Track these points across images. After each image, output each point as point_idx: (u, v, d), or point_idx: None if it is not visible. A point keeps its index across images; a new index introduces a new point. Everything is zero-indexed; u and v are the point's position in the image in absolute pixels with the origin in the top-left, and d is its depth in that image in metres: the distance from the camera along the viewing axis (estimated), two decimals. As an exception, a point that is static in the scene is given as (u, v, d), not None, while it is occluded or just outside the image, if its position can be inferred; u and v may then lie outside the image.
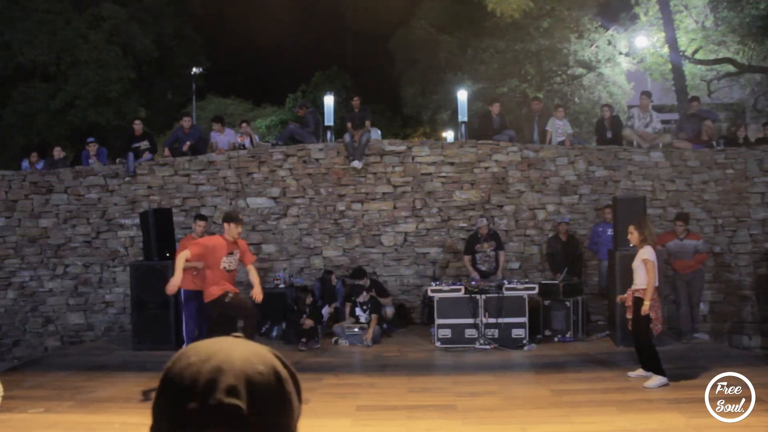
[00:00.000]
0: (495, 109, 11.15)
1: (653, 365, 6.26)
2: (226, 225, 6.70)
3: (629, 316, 6.50)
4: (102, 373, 7.31)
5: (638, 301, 6.34)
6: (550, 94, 17.81)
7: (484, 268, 9.25)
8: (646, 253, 6.39)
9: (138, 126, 11.18)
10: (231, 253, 6.66)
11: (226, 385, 0.87)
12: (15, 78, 18.92)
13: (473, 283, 8.75)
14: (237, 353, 0.92)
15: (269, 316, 9.06)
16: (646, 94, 11.15)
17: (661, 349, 6.48)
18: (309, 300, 8.67)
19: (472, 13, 18.02)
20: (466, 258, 9.36)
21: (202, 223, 8.35)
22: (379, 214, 10.32)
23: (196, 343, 0.96)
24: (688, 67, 16.48)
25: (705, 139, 10.53)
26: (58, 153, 11.88)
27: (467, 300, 8.31)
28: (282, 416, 0.92)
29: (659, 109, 15.89)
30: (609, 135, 10.72)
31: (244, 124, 11.46)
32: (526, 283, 8.50)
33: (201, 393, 0.87)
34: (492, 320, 8.24)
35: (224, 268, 6.60)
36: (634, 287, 6.49)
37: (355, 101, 10.99)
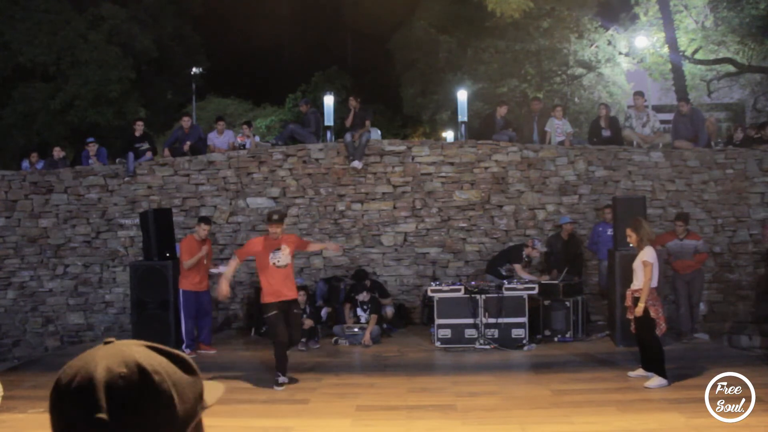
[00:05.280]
0: (501, 111, 11.10)
1: (656, 366, 6.26)
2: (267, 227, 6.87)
3: (630, 316, 6.51)
4: (102, 373, 7.29)
5: (638, 302, 6.36)
6: (550, 94, 17.80)
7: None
8: (646, 254, 6.41)
9: (139, 126, 11.19)
10: (278, 249, 6.72)
11: (93, 402, 0.91)
12: (15, 78, 18.92)
13: (473, 283, 8.76)
14: (98, 364, 0.94)
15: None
16: (639, 94, 11.16)
17: (663, 349, 6.48)
18: (302, 298, 8.61)
19: (472, 13, 18.02)
20: (518, 267, 8.99)
21: (206, 226, 8.35)
22: (379, 214, 10.32)
23: (74, 359, 0.99)
24: (688, 67, 16.49)
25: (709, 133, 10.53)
26: (58, 153, 11.89)
27: (467, 300, 8.31)
28: (158, 409, 0.94)
29: (659, 109, 15.93)
30: (607, 134, 10.71)
31: (245, 126, 11.46)
32: (526, 283, 8.50)
33: (73, 411, 0.92)
34: (492, 320, 8.24)
35: (273, 264, 6.69)
36: (633, 288, 6.52)
37: (352, 102, 10.91)
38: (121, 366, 0.94)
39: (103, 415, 0.90)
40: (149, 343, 1.01)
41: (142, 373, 0.94)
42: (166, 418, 0.95)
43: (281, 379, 6.54)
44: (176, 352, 1.02)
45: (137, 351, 0.97)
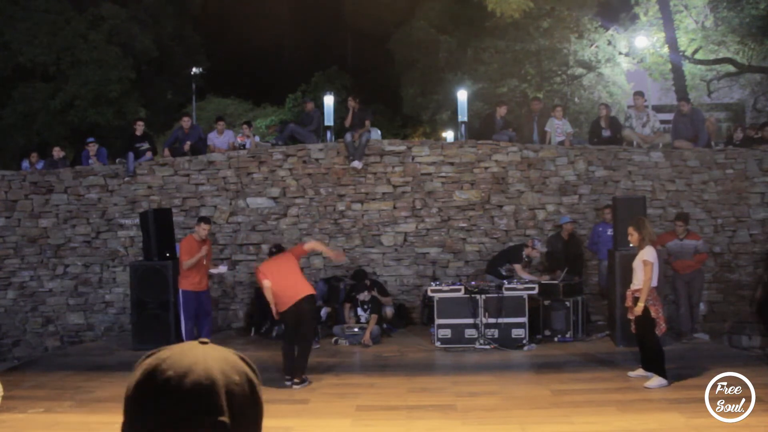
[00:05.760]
0: (501, 111, 11.11)
1: (656, 366, 6.26)
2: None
3: (631, 316, 6.51)
4: (102, 373, 7.31)
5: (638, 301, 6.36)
6: (550, 94, 17.80)
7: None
8: (647, 253, 6.41)
9: (140, 126, 11.19)
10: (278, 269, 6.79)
11: (215, 404, 0.91)
12: (15, 78, 18.91)
13: (473, 283, 8.76)
14: (214, 366, 0.95)
15: (269, 316, 9.04)
16: (639, 94, 11.16)
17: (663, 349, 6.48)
18: None
19: (472, 13, 18.02)
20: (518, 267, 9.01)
21: (206, 226, 8.34)
22: (379, 214, 10.32)
23: (166, 351, 0.97)
24: (688, 67, 16.49)
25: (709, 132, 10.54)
26: (57, 153, 11.89)
27: (467, 300, 8.30)
28: (257, 419, 0.99)
29: (659, 109, 15.93)
30: (607, 134, 10.71)
31: (245, 126, 11.46)
32: (526, 283, 8.50)
33: (187, 408, 0.90)
34: (492, 320, 8.24)
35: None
36: (633, 287, 6.51)
37: (351, 102, 10.89)
38: (234, 374, 0.97)
39: (225, 419, 0.92)
40: (235, 351, 1.03)
41: (251, 385, 0.99)
42: (258, 425, 1.00)
43: (288, 382, 6.60)
44: (251, 362, 1.04)
45: (241, 363, 1.01)
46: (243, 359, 1.01)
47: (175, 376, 0.92)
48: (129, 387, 0.95)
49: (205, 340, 1.02)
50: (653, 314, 6.26)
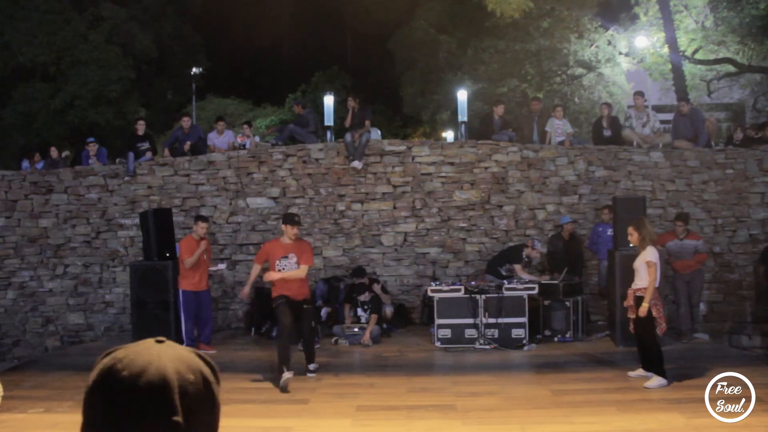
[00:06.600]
0: (498, 110, 11.12)
1: (655, 366, 6.26)
2: (282, 227, 6.93)
3: (632, 315, 6.50)
4: (102, 373, 7.29)
5: (640, 301, 6.35)
6: (550, 94, 17.79)
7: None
8: (650, 254, 6.40)
9: (141, 126, 11.19)
10: (286, 257, 6.76)
11: (168, 404, 0.92)
12: (15, 78, 18.92)
13: (473, 283, 8.75)
14: (168, 365, 0.95)
15: (269, 316, 9.05)
16: (639, 94, 11.16)
17: (662, 349, 6.48)
18: None
19: (472, 13, 18.01)
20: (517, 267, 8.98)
21: (204, 224, 8.35)
22: (379, 214, 10.32)
23: (122, 351, 0.98)
24: (688, 67, 16.48)
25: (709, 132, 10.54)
26: (56, 153, 11.90)
27: (467, 300, 8.30)
28: (211, 417, 0.99)
29: (659, 109, 15.91)
30: (608, 134, 10.71)
31: (245, 126, 11.46)
32: (526, 283, 8.50)
33: (141, 408, 0.92)
34: (492, 320, 8.24)
35: (279, 271, 6.76)
36: (635, 287, 6.49)
37: (350, 102, 10.88)
38: (189, 372, 0.97)
39: (179, 419, 0.92)
40: (192, 349, 1.04)
41: (206, 383, 0.99)
42: (214, 423, 1.00)
43: (286, 374, 6.36)
44: (210, 359, 1.05)
45: (197, 360, 1.01)
46: (201, 357, 1.01)
47: (129, 377, 0.93)
48: (86, 386, 0.97)
49: (162, 338, 1.02)
50: (655, 314, 6.26)
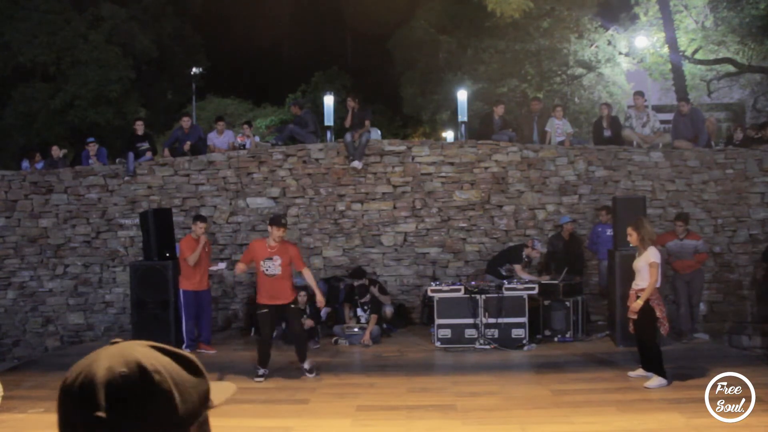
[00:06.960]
0: (499, 110, 11.11)
1: (655, 366, 6.26)
2: (268, 228, 6.99)
3: (632, 315, 6.49)
4: (102, 373, 7.29)
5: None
6: (550, 94, 17.79)
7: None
8: (652, 255, 6.39)
9: (140, 126, 11.19)
10: (270, 258, 6.78)
11: (90, 400, 0.94)
12: (15, 78, 18.92)
13: (473, 283, 8.75)
14: (102, 363, 0.97)
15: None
16: (639, 94, 11.16)
17: (661, 349, 6.48)
18: (303, 298, 8.61)
19: (472, 13, 18.01)
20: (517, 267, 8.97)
21: (202, 224, 8.35)
22: (379, 214, 10.32)
23: (84, 358, 1.02)
24: (688, 67, 16.48)
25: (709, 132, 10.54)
26: (56, 152, 11.89)
27: (467, 300, 8.30)
28: (157, 408, 0.97)
29: (659, 109, 15.91)
30: (608, 134, 10.71)
31: (245, 126, 11.46)
32: (526, 283, 8.50)
33: (75, 409, 0.96)
34: (492, 320, 8.24)
35: (263, 272, 6.81)
36: (636, 287, 6.48)
37: (350, 102, 10.85)
38: (122, 365, 0.97)
39: (101, 413, 0.93)
40: (155, 344, 1.04)
41: (142, 372, 0.97)
42: (166, 416, 0.97)
43: (261, 371, 6.83)
44: (182, 352, 1.05)
45: (140, 351, 1.00)
46: (168, 352, 1.02)
47: (68, 379, 0.99)
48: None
49: (117, 340, 1.04)
50: (658, 314, 6.25)
